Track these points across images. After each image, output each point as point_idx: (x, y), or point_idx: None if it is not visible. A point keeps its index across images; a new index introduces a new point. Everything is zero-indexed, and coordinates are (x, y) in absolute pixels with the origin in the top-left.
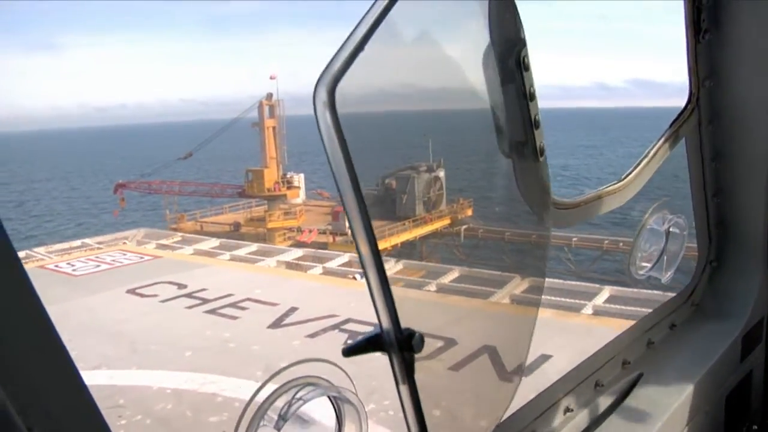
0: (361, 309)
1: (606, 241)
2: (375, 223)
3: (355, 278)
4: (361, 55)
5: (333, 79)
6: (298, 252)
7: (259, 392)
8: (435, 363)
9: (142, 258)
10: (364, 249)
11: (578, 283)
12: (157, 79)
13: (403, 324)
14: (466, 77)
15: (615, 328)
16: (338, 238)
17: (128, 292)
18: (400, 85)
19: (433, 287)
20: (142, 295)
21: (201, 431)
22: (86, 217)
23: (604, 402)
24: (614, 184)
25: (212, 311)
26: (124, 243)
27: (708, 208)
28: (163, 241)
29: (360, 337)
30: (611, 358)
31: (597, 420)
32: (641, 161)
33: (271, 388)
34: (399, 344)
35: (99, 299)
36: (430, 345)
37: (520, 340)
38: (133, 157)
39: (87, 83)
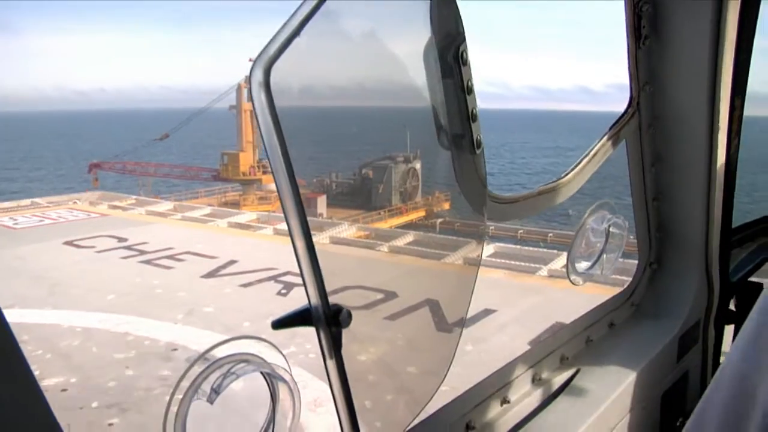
0: None
1: None
2: (350, 212)
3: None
4: (297, 40)
5: (269, 60)
6: (252, 215)
7: (191, 368)
8: (367, 335)
9: (89, 216)
10: (293, 222)
11: (537, 249)
12: (137, 65)
13: (332, 299)
14: (407, 71)
15: (563, 287)
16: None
17: (65, 243)
18: (336, 73)
19: (385, 248)
20: (78, 246)
21: (102, 366)
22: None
23: (541, 395)
24: (553, 182)
25: (147, 261)
26: (75, 203)
27: (648, 211)
28: (116, 203)
29: (289, 311)
30: (550, 353)
31: (534, 412)
32: (581, 161)
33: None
34: (326, 319)
35: (33, 248)
36: (362, 313)
37: (461, 296)
38: (109, 141)
39: (64, 66)
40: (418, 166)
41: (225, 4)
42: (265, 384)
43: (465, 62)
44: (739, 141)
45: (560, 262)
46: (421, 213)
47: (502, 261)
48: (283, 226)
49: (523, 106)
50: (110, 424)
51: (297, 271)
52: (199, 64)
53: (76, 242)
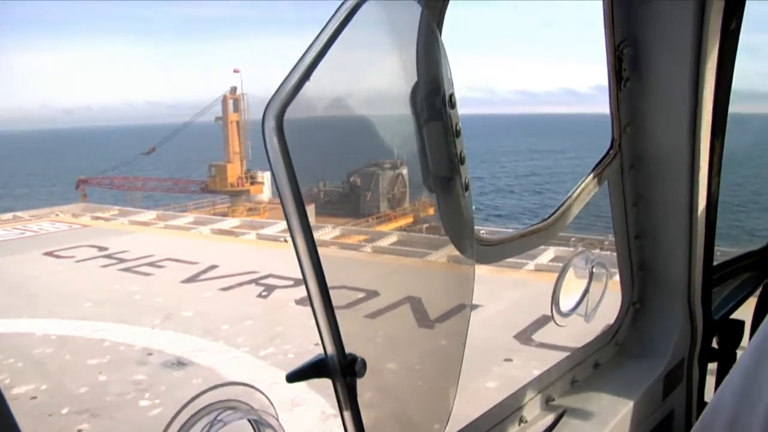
0: (284, 266)
1: None
2: (338, 220)
3: (286, 240)
4: (308, 84)
5: (281, 105)
6: (235, 221)
7: (178, 416)
8: (381, 381)
9: (71, 227)
10: (310, 276)
11: None
12: (122, 82)
13: (348, 347)
14: (400, 112)
15: (549, 281)
16: None
17: (45, 254)
18: (343, 114)
19: (368, 248)
20: (58, 257)
21: (74, 372)
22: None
23: None
24: (538, 223)
25: (127, 269)
26: (57, 215)
27: (630, 250)
28: (99, 214)
29: (304, 363)
30: (535, 395)
31: None
32: (564, 202)
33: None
34: (342, 370)
35: (11, 260)
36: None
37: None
38: (97, 158)
39: (50, 85)
40: (405, 172)
41: (207, 18)
42: (252, 431)
43: (453, 105)
44: (719, 180)
45: (547, 256)
46: (410, 219)
47: None
48: (266, 230)
49: (510, 111)
50: (79, 430)
51: (278, 272)
52: (185, 78)
53: (56, 253)
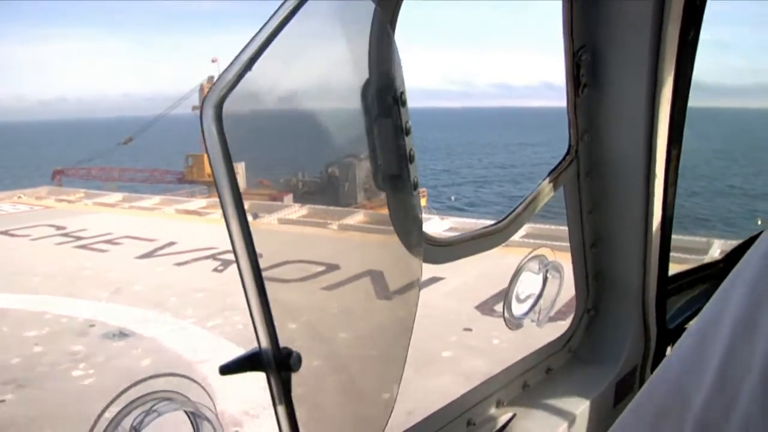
0: None
1: None
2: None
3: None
4: (248, 75)
5: (220, 96)
6: (202, 202)
7: (112, 404)
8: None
9: (32, 208)
10: (244, 265)
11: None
12: (97, 74)
13: (282, 341)
14: (347, 108)
15: (516, 254)
16: None
17: (0, 233)
18: (283, 107)
19: (335, 226)
20: (13, 235)
21: (8, 345)
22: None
23: None
24: (491, 226)
25: (82, 246)
26: (19, 197)
27: (586, 258)
28: (64, 197)
29: (238, 356)
30: (485, 397)
31: None
32: (518, 206)
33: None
34: (277, 364)
35: None
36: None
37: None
38: (73, 149)
39: (26, 77)
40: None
41: (184, 10)
42: (189, 422)
43: (404, 103)
44: (676, 190)
45: (519, 233)
46: (386, 210)
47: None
48: None
49: (489, 104)
50: (1, 401)
51: None
52: (163, 71)
53: (11, 232)
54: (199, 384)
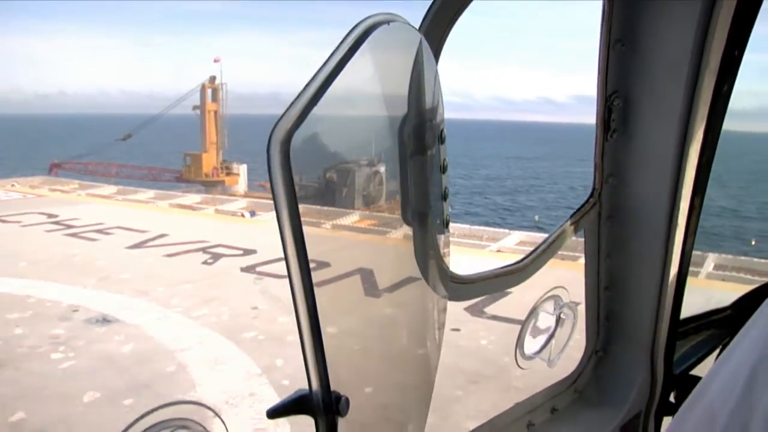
0: (235, 238)
1: None
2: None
3: (243, 215)
4: (314, 110)
5: (287, 133)
6: (196, 197)
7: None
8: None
9: (25, 197)
10: (302, 308)
11: (487, 228)
12: (98, 69)
13: (333, 385)
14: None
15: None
16: None
17: None
18: (346, 139)
19: (328, 225)
20: (4, 222)
21: None
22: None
23: None
24: (512, 265)
25: (73, 235)
26: (13, 185)
27: (599, 300)
28: (58, 186)
29: (286, 398)
30: None
31: None
32: (539, 247)
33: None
34: (325, 408)
35: None
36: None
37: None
38: (71, 143)
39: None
40: (382, 169)
41: (186, 10)
42: None
43: (443, 141)
44: (695, 239)
45: (513, 240)
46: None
47: (454, 239)
48: (227, 206)
49: (488, 117)
50: None
51: (229, 243)
52: (164, 70)
53: (2, 218)
54: (214, 411)
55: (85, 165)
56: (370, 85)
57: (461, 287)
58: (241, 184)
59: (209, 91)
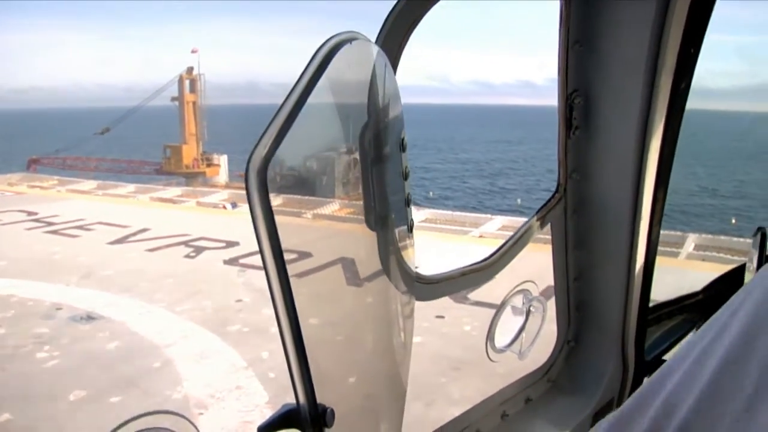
0: (217, 230)
1: None
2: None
3: (225, 207)
4: (288, 134)
5: (264, 160)
6: (177, 191)
7: None
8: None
9: (2, 194)
10: (284, 321)
11: (469, 214)
12: (71, 62)
13: (319, 398)
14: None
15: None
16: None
17: None
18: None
19: (309, 215)
20: None
21: None
22: None
23: None
24: (479, 263)
25: (53, 232)
26: None
27: (569, 291)
28: (37, 183)
29: (275, 413)
30: (464, 428)
31: None
32: (506, 243)
33: None
34: (312, 421)
35: None
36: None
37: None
38: (49, 139)
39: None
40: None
41: (165, 3)
42: None
43: (404, 149)
44: (660, 230)
45: (495, 225)
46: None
47: (435, 225)
48: (208, 198)
49: (467, 101)
50: None
51: (211, 236)
52: (141, 60)
53: None
54: (190, 422)
55: (63, 160)
56: (338, 103)
57: (425, 287)
58: (222, 174)
59: (187, 82)
